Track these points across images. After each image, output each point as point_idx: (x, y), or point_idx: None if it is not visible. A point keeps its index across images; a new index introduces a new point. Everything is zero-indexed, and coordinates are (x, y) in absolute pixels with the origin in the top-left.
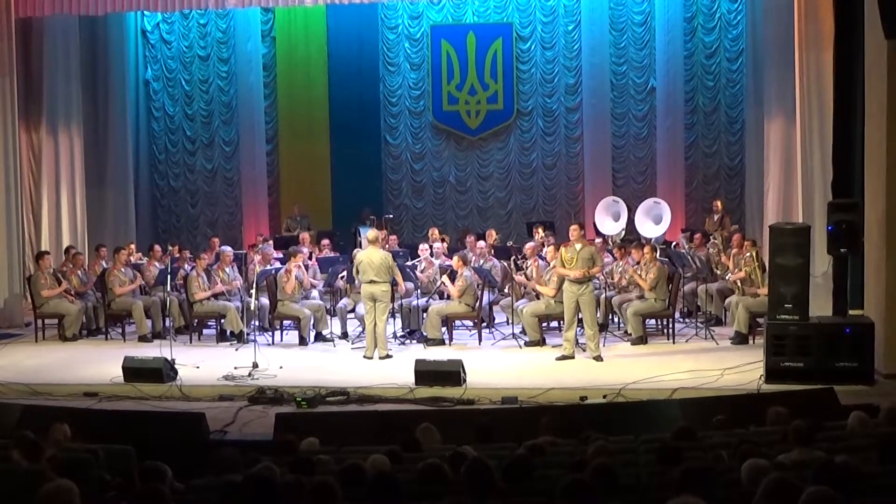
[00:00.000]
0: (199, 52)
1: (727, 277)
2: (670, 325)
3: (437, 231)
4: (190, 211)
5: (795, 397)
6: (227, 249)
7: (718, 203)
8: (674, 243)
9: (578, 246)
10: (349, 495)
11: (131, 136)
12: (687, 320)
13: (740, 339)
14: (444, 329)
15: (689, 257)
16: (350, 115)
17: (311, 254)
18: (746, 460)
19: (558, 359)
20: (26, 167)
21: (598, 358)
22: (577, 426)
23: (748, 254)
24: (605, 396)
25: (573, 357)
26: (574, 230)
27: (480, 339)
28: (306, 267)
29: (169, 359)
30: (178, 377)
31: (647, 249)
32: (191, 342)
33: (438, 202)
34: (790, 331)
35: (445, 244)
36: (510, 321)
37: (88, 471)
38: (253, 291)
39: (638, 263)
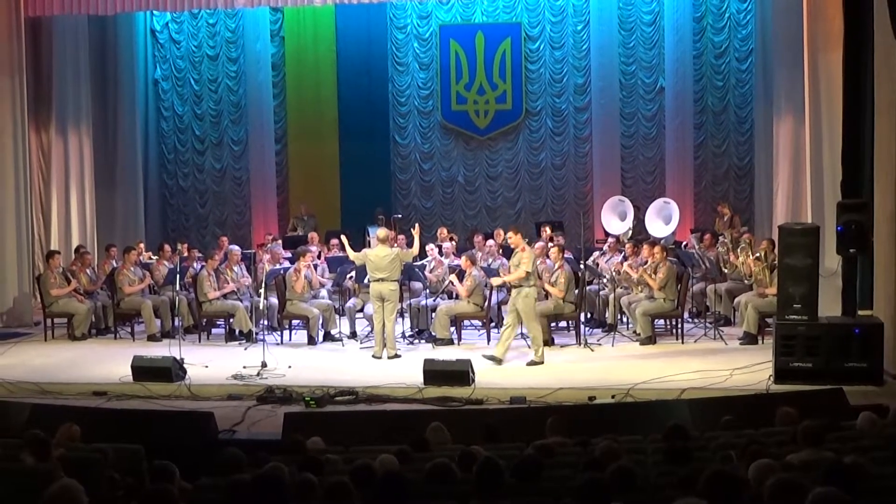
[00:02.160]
0: (209, 52)
1: (740, 261)
2: (679, 326)
3: (445, 230)
4: (199, 210)
5: (804, 398)
6: (235, 248)
7: (724, 208)
8: (684, 243)
9: (517, 251)
10: (359, 495)
11: (140, 135)
12: (696, 320)
13: (749, 340)
14: (452, 329)
15: (698, 257)
16: (359, 114)
17: (319, 253)
18: (755, 461)
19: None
20: (36, 167)
21: (533, 363)
22: (585, 426)
23: (758, 253)
24: (613, 396)
25: (500, 362)
26: (509, 236)
27: (489, 339)
28: (315, 267)
29: (178, 358)
30: (186, 376)
31: (657, 249)
32: (199, 341)
33: (447, 202)
34: (799, 331)
35: (454, 243)
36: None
37: (98, 470)
38: (262, 291)
39: (646, 262)
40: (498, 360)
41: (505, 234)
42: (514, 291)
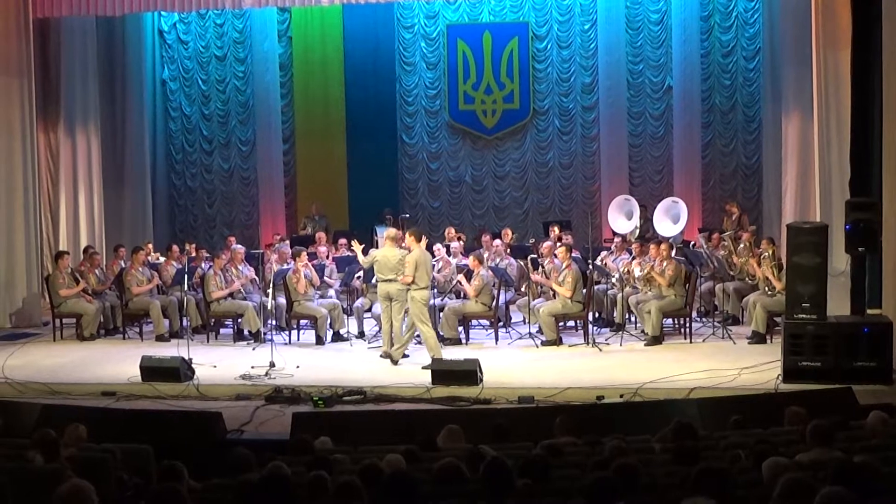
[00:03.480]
0: (216, 52)
1: (742, 261)
2: (687, 325)
3: (453, 230)
4: (207, 211)
5: (813, 397)
6: (239, 247)
7: (732, 207)
8: (692, 242)
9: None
10: (367, 495)
11: (148, 135)
12: (704, 319)
13: (758, 339)
14: (460, 328)
15: (706, 256)
16: (366, 114)
17: (327, 253)
18: (766, 459)
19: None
20: (44, 167)
21: (389, 358)
22: (593, 426)
23: (765, 253)
24: (621, 396)
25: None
26: (407, 236)
27: (497, 339)
28: (323, 267)
29: (186, 358)
30: (195, 376)
31: (663, 246)
32: (208, 342)
33: (455, 201)
34: (808, 330)
35: (462, 243)
36: (527, 320)
37: (106, 470)
38: (270, 291)
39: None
40: (393, 361)
41: (512, 233)
42: (408, 294)
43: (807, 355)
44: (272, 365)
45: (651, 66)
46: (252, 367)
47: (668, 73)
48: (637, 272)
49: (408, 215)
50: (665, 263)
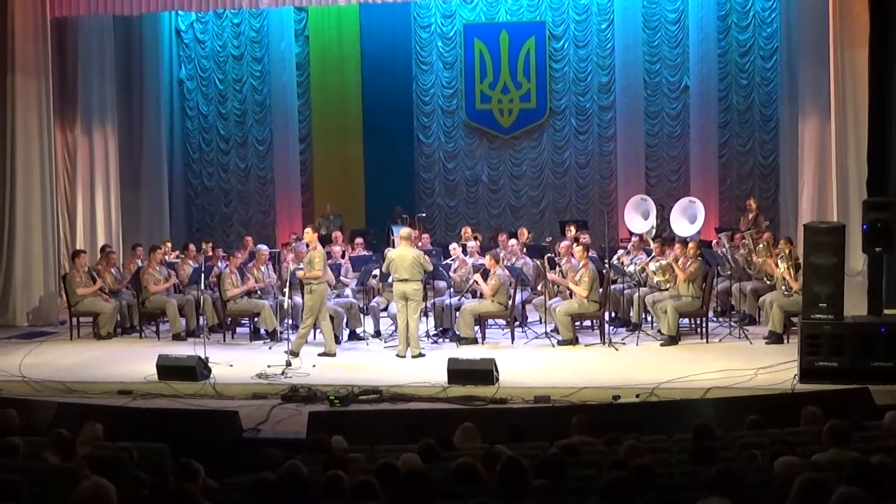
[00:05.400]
0: (233, 52)
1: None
2: (704, 324)
3: (469, 230)
4: (224, 210)
5: (830, 397)
6: (263, 248)
7: (752, 202)
8: (713, 241)
9: (309, 249)
10: (383, 494)
11: (165, 135)
12: (721, 319)
13: (775, 339)
14: (476, 328)
15: (723, 256)
16: (383, 114)
17: (343, 252)
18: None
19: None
20: (61, 166)
21: (324, 354)
22: (610, 426)
23: (783, 252)
24: (638, 396)
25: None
26: (306, 233)
27: (513, 338)
28: (339, 267)
29: (202, 357)
30: (211, 375)
31: (691, 245)
32: (224, 340)
33: (471, 201)
34: (825, 330)
35: (478, 243)
36: (543, 320)
37: (123, 469)
38: (286, 290)
39: (678, 261)
40: (294, 354)
41: (528, 233)
42: (306, 288)
43: (823, 355)
44: (288, 364)
45: (668, 66)
46: (268, 366)
47: (685, 72)
48: (653, 266)
49: (424, 214)
50: (690, 262)
